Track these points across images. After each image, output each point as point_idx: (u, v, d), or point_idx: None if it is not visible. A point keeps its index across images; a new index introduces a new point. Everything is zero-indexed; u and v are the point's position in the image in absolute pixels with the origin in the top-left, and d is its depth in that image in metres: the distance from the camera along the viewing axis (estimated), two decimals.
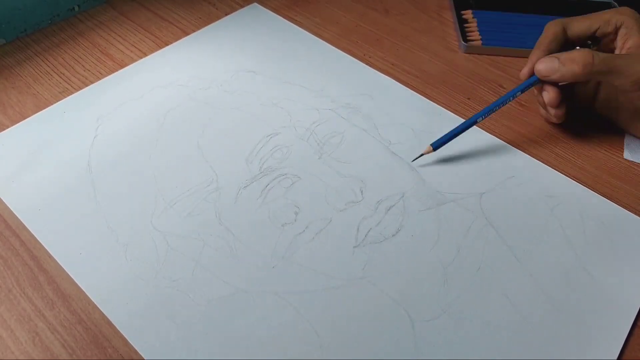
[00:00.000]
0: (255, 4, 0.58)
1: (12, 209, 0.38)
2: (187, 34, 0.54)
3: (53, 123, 0.44)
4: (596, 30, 0.43)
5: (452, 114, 0.47)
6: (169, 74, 0.49)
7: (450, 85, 0.50)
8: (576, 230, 0.38)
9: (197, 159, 0.41)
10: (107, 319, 0.32)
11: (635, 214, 0.39)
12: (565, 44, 0.43)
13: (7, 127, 0.44)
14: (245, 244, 0.36)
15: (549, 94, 0.42)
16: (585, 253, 0.37)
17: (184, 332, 0.32)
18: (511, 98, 0.42)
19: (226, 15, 0.57)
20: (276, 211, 0.38)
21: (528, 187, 0.41)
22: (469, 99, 0.49)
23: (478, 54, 0.54)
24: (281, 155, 0.41)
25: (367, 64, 0.51)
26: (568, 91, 0.43)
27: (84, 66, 0.50)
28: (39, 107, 0.46)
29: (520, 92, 0.42)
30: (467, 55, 0.54)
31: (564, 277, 0.35)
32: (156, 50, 0.52)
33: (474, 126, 0.45)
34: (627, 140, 0.45)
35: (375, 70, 0.51)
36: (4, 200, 0.38)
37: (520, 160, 0.43)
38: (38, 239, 0.36)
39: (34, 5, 0.53)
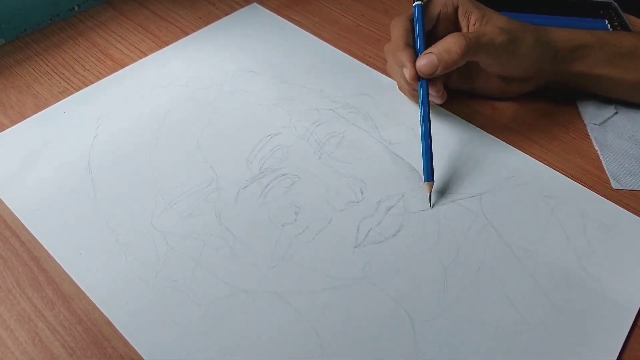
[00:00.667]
0: (255, 4, 0.58)
1: (12, 209, 0.38)
2: (187, 33, 0.54)
3: (53, 123, 0.44)
4: (438, 16, 0.43)
5: (452, 113, 0.47)
6: (169, 74, 0.49)
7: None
8: (576, 230, 0.38)
9: (197, 159, 0.41)
10: (107, 319, 0.32)
11: (636, 214, 0.39)
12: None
13: (7, 127, 0.44)
14: (245, 244, 0.36)
15: (436, 87, 0.42)
16: (585, 253, 0.37)
17: (184, 332, 0.32)
18: (427, 113, 0.41)
19: (226, 15, 0.57)
20: (276, 211, 0.38)
21: (528, 187, 0.41)
22: (468, 98, 0.48)
23: None
24: (281, 155, 0.41)
25: (367, 63, 0.51)
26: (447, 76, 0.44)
27: (84, 66, 0.50)
28: (39, 107, 0.46)
29: (428, 103, 0.41)
30: None
31: (564, 277, 0.35)
32: (156, 50, 0.52)
33: (474, 126, 0.46)
34: (609, 170, 0.42)
35: (375, 70, 0.51)
36: (4, 200, 0.38)
37: (520, 160, 0.43)
38: (38, 239, 0.36)
39: (34, 5, 0.53)
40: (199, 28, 0.55)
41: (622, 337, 0.33)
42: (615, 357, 0.32)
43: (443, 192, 0.40)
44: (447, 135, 0.45)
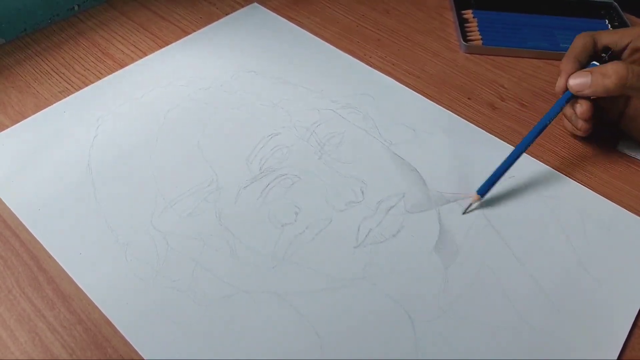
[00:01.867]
0: (256, 3, 0.58)
1: (12, 209, 0.38)
2: (187, 33, 0.54)
3: (53, 123, 0.44)
4: (627, 44, 0.42)
5: (453, 113, 0.47)
6: (169, 74, 0.49)
7: (451, 85, 0.50)
8: (576, 230, 0.38)
9: (197, 159, 0.41)
10: (107, 319, 0.32)
11: (635, 214, 0.39)
12: (594, 56, 0.43)
13: (7, 127, 0.44)
14: (245, 244, 0.36)
15: (581, 107, 0.41)
16: (585, 253, 0.37)
17: (184, 332, 0.32)
18: (548, 121, 0.40)
19: (226, 15, 0.57)
20: (276, 211, 0.38)
21: (528, 187, 0.41)
22: (469, 98, 0.49)
23: (478, 54, 0.54)
24: (281, 156, 0.41)
25: (367, 64, 0.51)
26: (596, 104, 0.42)
27: (84, 66, 0.50)
28: (39, 107, 0.46)
29: (559, 111, 0.41)
30: (467, 55, 0.54)
31: (564, 277, 0.35)
32: (156, 50, 0.52)
33: (474, 126, 0.46)
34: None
35: (375, 70, 0.51)
36: (4, 200, 0.38)
37: (521, 161, 0.43)
38: (38, 239, 0.36)
39: (34, 5, 0.53)
40: (199, 28, 0.55)
41: (623, 337, 0.33)
42: (616, 357, 0.32)
43: (443, 192, 0.40)
44: (448, 135, 0.45)
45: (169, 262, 0.35)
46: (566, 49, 0.54)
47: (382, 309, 0.33)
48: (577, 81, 0.40)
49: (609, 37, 0.42)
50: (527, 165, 0.42)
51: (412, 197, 0.39)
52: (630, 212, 0.39)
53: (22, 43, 0.52)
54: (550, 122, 0.40)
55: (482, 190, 0.39)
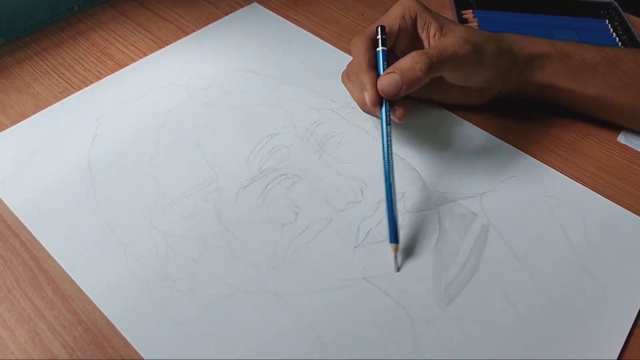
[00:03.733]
0: (255, 3, 0.58)
1: (12, 209, 0.38)
2: (187, 33, 0.54)
3: (53, 123, 0.44)
4: (397, 30, 0.41)
5: (452, 113, 0.47)
6: (169, 74, 0.49)
7: None
8: (576, 230, 0.38)
9: (197, 159, 0.41)
10: (107, 319, 0.32)
11: (636, 213, 0.39)
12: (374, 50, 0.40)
13: (7, 127, 0.44)
14: (245, 244, 0.36)
15: (400, 111, 0.38)
16: (585, 253, 0.37)
17: (184, 332, 0.32)
18: (389, 140, 0.37)
19: (226, 15, 0.57)
20: (276, 211, 0.38)
21: (528, 187, 0.41)
22: None
23: None
24: (281, 156, 0.41)
25: None
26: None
27: (84, 66, 0.50)
28: (39, 107, 0.46)
29: (389, 128, 0.38)
30: None
31: (564, 277, 0.35)
32: (156, 50, 0.52)
33: (474, 126, 0.45)
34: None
35: None
36: (4, 200, 0.38)
37: (521, 160, 0.43)
38: (38, 239, 0.36)
39: (34, 5, 0.53)
40: (199, 28, 0.55)
41: (623, 337, 0.33)
42: (616, 357, 0.32)
43: (443, 192, 0.40)
44: (448, 135, 0.45)
45: (169, 262, 0.35)
46: None
47: (382, 309, 0.33)
48: (387, 84, 0.37)
49: (376, 25, 0.41)
50: (527, 165, 0.42)
51: (412, 197, 0.39)
52: (630, 212, 0.39)
53: (22, 43, 0.52)
54: (389, 139, 0.37)
55: (393, 238, 0.35)
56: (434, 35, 0.40)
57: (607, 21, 0.58)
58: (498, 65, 0.41)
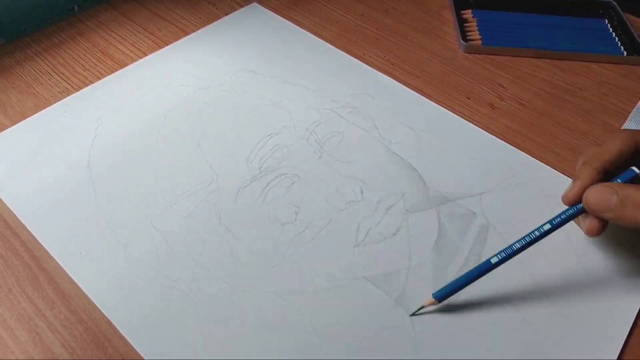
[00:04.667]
0: (255, 3, 0.58)
1: (12, 209, 0.38)
2: (187, 33, 0.54)
3: (53, 123, 0.44)
4: (619, 152, 0.33)
5: (452, 113, 0.47)
6: (169, 74, 0.49)
7: (450, 85, 0.50)
8: (576, 230, 0.38)
9: (197, 159, 0.41)
10: (107, 318, 0.32)
11: None
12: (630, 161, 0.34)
13: (7, 127, 0.44)
14: (245, 244, 0.36)
15: (591, 224, 0.33)
16: (585, 253, 0.37)
17: (184, 332, 0.32)
18: (540, 235, 0.33)
19: (226, 15, 0.57)
20: (276, 211, 0.38)
21: (528, 187, 0.41)
22: (468, 98, 0.49)
23: (478, 54, 0.54)
24: (281, 155, 0.41)
25: (367, 63, 0.51)
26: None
27: (84, 66, 0.50)
28: (39, 107, 0.46)
29: (556, 228, 0.33)
30: (466, 54, 0.54)
31: (564, 277, 0.35)
32: (156, 50, 0.52)
33: (474, 126, 0.46)
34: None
35: (375, 70, 0.51)
36: (4, 200, 0.38)
37: (520, 160, 0.43)
38: (38, 239, 0.36)
39: (34, 5, 0.53)
40: (199, 28, 0.55)
41: (623, 337, 0.33)
42: (616, 357, 0.32)
43: (443, 192, 0.40)
44: (448, 134, 0.45)
45: (169, 262, 0.35)
46: (565, 49, 0.54)
47: (381, 309, 0.33)
48: (597, 199, 0.31)
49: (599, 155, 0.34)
50: (527, 165, 0.42)
51: (412, 197, 0.39)
52: None
53: (22, 43, 0.52)
54: (541, 238, 0.33)
55: (440, 295, 0.33)
56: None
57: (606, 21, 0.58)
58: None
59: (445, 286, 0.33)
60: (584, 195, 0.32)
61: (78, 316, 0.33)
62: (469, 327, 0.33)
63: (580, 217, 0.34)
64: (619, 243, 0.37)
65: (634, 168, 0.33)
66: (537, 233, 0.33)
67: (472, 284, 0.33)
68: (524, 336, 0.32)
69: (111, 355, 0.31)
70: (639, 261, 0.37)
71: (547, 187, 0.41)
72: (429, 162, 0.42)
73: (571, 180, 0.34)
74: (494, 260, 0.32)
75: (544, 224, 0.33)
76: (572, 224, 0.38)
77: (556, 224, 0.33)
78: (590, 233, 0.33)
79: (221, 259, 0.35)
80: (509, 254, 0.33)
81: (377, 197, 0.39)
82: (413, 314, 0.33)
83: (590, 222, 0.33)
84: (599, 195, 0.31)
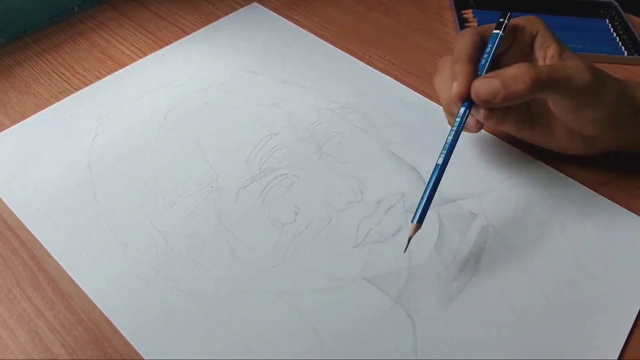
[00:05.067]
0: (255, 3, 0.58)
1: (12, 209, 0.38)
2: (187, 33, 0.54)
3: (53, 123, 0.44)
4: (514, 39, 0.38)
5: None
6: (169, 74, 0.49)
7: None
8: (576, 230, 0.38)
9: (197, 159, 0.41)
10: (107, 318, 0.32)
11: (636, 213, 0.39)
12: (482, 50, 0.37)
13: (7, 127, 0.44)
14: (245, 244, 0.36)
15: (482, 114, 0.36)
16: (585, 253, 0.37)
17: (184, 332, 0.32)
18: (453, 145, 0.35)
19: (226, 15, 0.57)
20: (276, 211, 0.38)
21: (528, 187, 0.41)
22: None
23: None
24: (281, 155, 0.41)
25: (367, 63, 0.51)
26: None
27: (83, 66, 0.50)
28: (39, 107, 0.46)
29: (463, 124, 0.35)
30: None
31: (564, 277, 0.35)
32: (156, 50, 0.52)
33: None
34: None
35: (375, 70, 0.51)
36: (4, 200, 0.38)
37: (520, 160, 0.43)
38: (38, 239, 0.36)
39: (34, 5, 0.53)
40: (199, 28, 0.55)
41: (623, 337, 0.33)
42: (616, 357, 0.32)
43: (443, 192, 0.40)
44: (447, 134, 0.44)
45: (169, 262, 0.35)
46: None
47: (382, 309, 0.33)
48: (484, 88, 0.33)
49: (491, 25, 0.37)
50: (527, 165, 0.42)
51: (412, 197, 0.39)
52: (630, 212, 0.39)
53: (22, 43, 0.52)
54: (457, 139, 0.35)
55: (419, 218, 0.33)
56: (552, 57, 0.36)
57: (607, 21, 0.58)
58: (617, 110, 0.35)
59: (417, 209, 0.33)
60: (473, 90, 0.34)
61: (78, 316, 0.33)
62: (469, 327, 0.33)
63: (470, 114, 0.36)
64: (620, 243, 0.37)
65: (495, 31, 0.37)
66: (450, 138, 0.35)
67: (471, 284, 0.33)
68: (524, 336, 0.32)
69: (111, 356, 0.31)
70: (639, 261, 0.36)
71: (547, 187, 0.41)
72: (428, 162, 0.42)
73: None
74: (440, 161, 0.34)
75: (450, 132, 0.35)
76: (572, 225, 0.38)
77: (463, 121, 0.35)
78: (480, 122, 0.36)
79: (221, 259, 0.35)
80: (449, 151, 0.35)
81: (377, 197, 0.39)
82: (405, 250, 0.34)
83: (478, 113, 0.36)
84: (484, 84, 0.34)
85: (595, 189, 0.41)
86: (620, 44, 0.55)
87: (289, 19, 0.56)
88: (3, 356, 0.31)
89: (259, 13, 0.57)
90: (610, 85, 0.35)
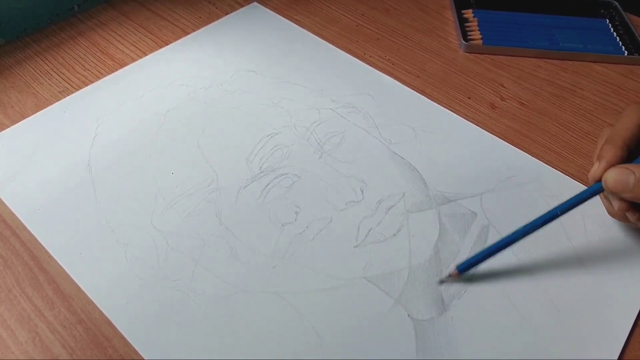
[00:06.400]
0: (256, 3, 0.58)
1: (12, 209, 0.38)
2: (187, 33, 0.54)
3: (53, 123, 0.44)
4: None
5: (453, 113, 0.47)
6: (169, 74, 0.49)
7: (451, 85, 0.50)
8: (576, 230, 0.38)
9: (197, 159, 0.41)
10: (107, 318, 0.32)
11: None
12: None
13: (7, 127, 0.44)
14: (245, 244, 0.36)
15: (616, 204, 0.34)
16: (585, 252, 0.37)
17: (184, 332, 0.32)
18: (559, 213, 0.34)
19: (226, 14, 0.57)
20: (276, 211, 0.38)
21: (528, 187, 0.41)
22: (469, 98, 0.49)
23: (478, 53, 0.54)
24: (281, 155, 0.41)
25: (367, 63, 0.51)
26: None
27: (83, 66, 0.50)
28: (39, 107, 0.46)
29: (577, 204, 0.34)
30: (467, 54, 0.54)
31: (564, 277, 0.35)
32: (156, 49, 0.52)
33: (474, 126, 0.45)
34: None
35: (375, 70, 0.51)
36: (4, 200, 0.38)
37: (520, 160, 0.43)
38: (38, 239, 0.36)
39: (34, 5, 0.53)
40: (199, 28, 0.55)
41: (623, 337, 0.33)
42: (616, 357, 0.32)
43: (443, 192, 0.40)
44: (448, 134, 0.44)
45: (169, 262, 0.35)
46: (566, 48, 0.54)
47: (382, 309, 0.33)
48: (615, 180, 0.32)
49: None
50: (527, 165, 0.42)
51: (412, 197, 0.39)
52: None
53: (22, 43, 0.52)
54: (561, 214, 0.34)
55: (462, 268, 0.34)
56: None
57: (607, 21, 0.58)
58: None
59: (467, 260, 0.34)
60: (603, 177, 0.33)
61: (78, 316, 0.33)
62: (469, 327, 0.33)
63: (604, 197, 0.36)
64: (620, 243, 0.37)
65: None
66: (558, 211, 0.33)
67: (471, 284, 0.33)
68: (524, 336, 0.32)
69: (111, 356, 0.31)
70: (639, 261, 0.37)
71: (547, 187, 0.41)
72: (429, 162, 0.42)
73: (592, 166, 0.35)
74: (515, 236, 0.34)
75: (565, 202, 0.34)
76: (572, 225, 0.38)
77: (576, 202, 0.34)
78: (615, 215, 0.35)
79: (221, 259, 0.35)
80: (530, 229, 0.33)
81: (378, 197, 0.39)
82: (441, 283, 0.34)
83: (616, 203, 0.34)
84: (617, 177, 0.32)
85: None
86: (620, 43, 0.55)
87: (289, 19, 0.56)
88: (3, 356, 0.31)
89: (259, 13, 0.57)
90: None
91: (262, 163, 0.41)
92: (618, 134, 0.34)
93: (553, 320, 0.33)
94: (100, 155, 0.42)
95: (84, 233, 0.36)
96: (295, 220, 0.37)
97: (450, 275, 0.35)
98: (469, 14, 0.58)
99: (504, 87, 0.50)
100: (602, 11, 0.59)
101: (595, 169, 0.33)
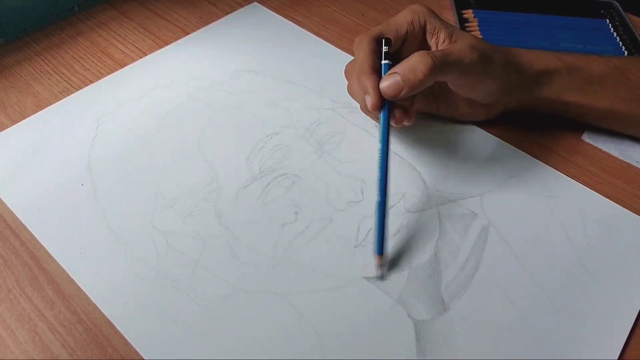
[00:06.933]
0: (256, 3, 0.58)
1: (12, 209, 0.38)
2: (187, 33, 0.54)
3: (53, 123, 0.44)
4: (405, 35, 0.40)
5: None
6: (169, 74, 0.49)
7: None
8: (576, 230, 0.38)
9: (197, 159, 0.41)
10: (107, 318, 0.32)
11: (636, 213, 0.39)
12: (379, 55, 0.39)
13: (7, 127, 0.44)
14: (245, 244, 0.36)
15: (397, 114, 0.38)
16: (585, 253, 0.37)
17: (184, 332, 0.32)
18: (386, 147, 0.36)
19: (226, 14, 0.57)
20: (276, 211, 0.38)
21: (528, 187, 0.41)
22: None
23: None
24: (281, 155, 0.41)
25: None
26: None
27: (83, 66, 0.50)
28: (39, 107, 0.46)
29: (388, 133, 0.37)
30: None
31: (564, 277, 0.35)
32: (156, 49, 0.52)
33: (474, 126, 0.45)
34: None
35: None
36: (4, 200, 0.38)
37: (520, 160, 0.43)
38: (38, 239, 0.36)
39: (34, 5, 0.53)
40: (199, 28, 0.55)
41: (624, 337, 0.33)
42: (616, 357, 0.32)
43: (443, 192, 0.40)
44: (448, 134, 0.45)
45: (169, 262, 0.35)
46: (567, 49, 0.54)
47: (382, 309, 0.33)
48: (389, 85, 0.36)
49: (389, 33, 0.39)
50: (527, 165, 0.42)
51: (412, 197, 0.39)
52: (630, 212, 0.39)
53: (22, 43, 0.52)
54: (387, 149, 0.36)
55: (379, 250, 0.34)
56: (443, 42, 0.39)
57: (607, 21, 0.58)
58: (504, 79, 0.40)
59: (376, 240, 0.34)
60: (381, 90, 0.37)
61: (78, 316, 0.33)
62: (469, 327, 0.33)
63: (394, 118, 0.38)
64: (620, 243, 0.37)
65: (383, 62, 0.38)
66: (381, 154, 0.36)
67: (471, 284, 0.33)
68: (524, 336, 0.32)
69: (111, 356, 0.31)
70: (639, 261, 0.37)
71: (547, 187, 0.41)
72: (429, 162, 0.42)
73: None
74: (379, 199, 0.35)
75: (383, 140, 0.36)
76: (572, 225, 0.38)
77: (385, 136, 0.36)
78: (399, 122, 0.38)
79: (221, 259, 0.35)
80: (383, 182, 0.35)
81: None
82: (382, 279, 0.34)
83: (396, 113, 0.38)
84: (387, 83, 0.36)
85: (595, 188, 0.41)
86: (620, 43, 0.55)
87: (289, 19, 0.56)
88: (3, 356, 0.31)
89: (259, 13, 0.57)
90: (496, 58, 0.39)
91: (262, 163, 0.41)
92: (364, 65, 0.38)
93: (552, 320, 0.33)
94: (100, 155, 0.42)
95: (84, 233, 0.36)
96: (295, 220, 0.37)
97: (380, 266, 0.35)
98: (469, 14, 0.58)
99: None
100: (602, 11, 0.59)
101: (371, 99, 0.37)
